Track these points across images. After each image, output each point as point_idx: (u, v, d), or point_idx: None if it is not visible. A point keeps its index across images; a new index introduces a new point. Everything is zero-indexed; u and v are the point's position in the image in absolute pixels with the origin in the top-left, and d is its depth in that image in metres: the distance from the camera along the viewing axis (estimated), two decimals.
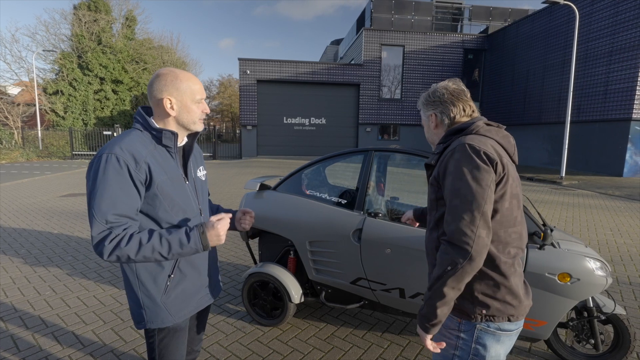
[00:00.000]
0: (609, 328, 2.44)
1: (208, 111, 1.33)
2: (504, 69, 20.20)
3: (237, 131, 39.06)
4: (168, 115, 1.25)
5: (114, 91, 25.36)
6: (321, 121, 22.35)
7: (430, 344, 1.13)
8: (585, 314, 2.24)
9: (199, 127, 1.31)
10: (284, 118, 22.01)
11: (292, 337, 2.62)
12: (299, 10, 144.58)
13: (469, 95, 1.26)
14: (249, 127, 21.40)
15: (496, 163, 1.06)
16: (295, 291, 2.63)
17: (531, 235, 2.12)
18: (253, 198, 2.87)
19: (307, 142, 22.29)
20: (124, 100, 25.76)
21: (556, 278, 2.02)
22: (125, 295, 3.24)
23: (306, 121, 22.21)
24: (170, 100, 1.22)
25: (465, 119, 1.24)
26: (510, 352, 2.45)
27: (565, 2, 12.01)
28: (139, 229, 1.20)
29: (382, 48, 21.57)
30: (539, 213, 2.24)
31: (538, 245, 2.07)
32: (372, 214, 2.43)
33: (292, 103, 21.82)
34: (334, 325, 2.80)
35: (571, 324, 2.26)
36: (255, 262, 3.10)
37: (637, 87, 12.75)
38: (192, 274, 1.35)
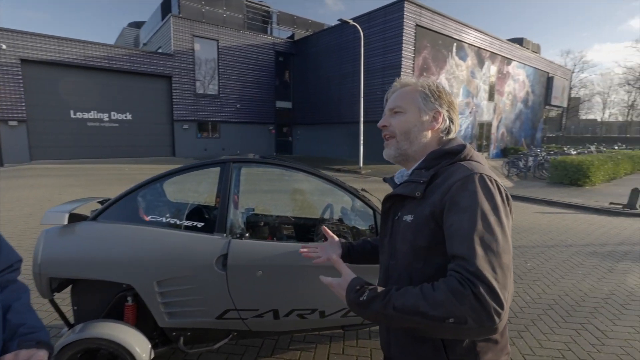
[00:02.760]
0: None
1: None
2: (310, 74, 22.80)
3: None
4: None
5: None
6: (126, 117, 18.98)
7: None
8: None
9: None
10: (72, 112, 17.42)
11: None
12: None
13: None
14: (13, 123, 15.78)
15: (510, 201, 0.87)
16: (141, 348, 2.00)
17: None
18: (60, 237, 1.99)
19: (108, 141, 18.48)
20: None
21: None
22: None
23: (105, 116, 18.34)
24: None
25: (452, 137, 1.02)
26: None
27: (353, 23, 14.57)
28: None
29: (195, 40, 20.22)
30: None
31: None
32: (238, 235, 2.12)
33: (83, 93, 17.46)
34: None
35: None
36: (68, 325, 2.20)
37: None
38: None
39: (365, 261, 1.33)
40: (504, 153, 23.42)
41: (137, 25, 32.25)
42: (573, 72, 42.07)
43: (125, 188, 2.19)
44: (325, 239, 1.36)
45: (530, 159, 12.82)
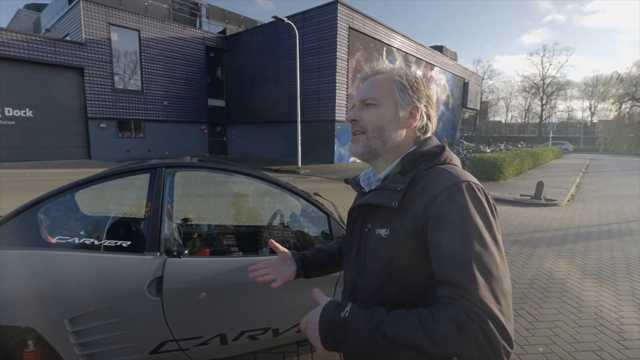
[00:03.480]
0: None
1: None
2: (244, 72, 22.04)
3: None
4: None
5: None
6: (25, 113, 16.30)
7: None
8: None
9: None
10: None
11: None
12: None
13: None
14: None
15: (497, 211, 0.77)
16: None
17: (339, 238, 2.21)
18: None
19: (4, 142, 15.67)
20: None
21: None
22: None
23: None
24: None
25: (429, 135, 0.90)
26: None
27: (288, 21, 14.39)
28: None
29: (112, 28, 18.16)
30: (341, 217, 2.38)
31: None
32: (175, 253, 1.80)
33: None
34: None
35: None
36: None
37: (336, 97, 17.31)
38: None
39: (322, 273, 1.20)
40: None
41: (37, 8, 28.00)
42: (483, 79, 47.37)
43: (26, 199, 1.73)
44: (274, 251, 1.19)
45: None
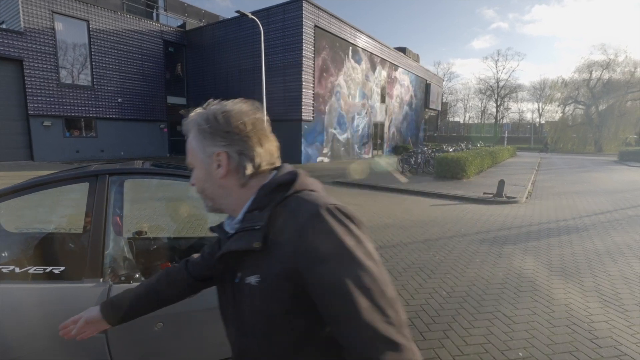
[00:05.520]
0: None
1: None
2: (206, 68, 21.17)
3: None
4: None
5: None
6: None
7: None
8: None
9: None
10: None
11: None
12: None
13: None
14: None
15: (361, 222, 0.72)
16: None
17: None
18: None
19: None
20: None
21: None
22: None
23: None
24: None
25: (268, 167, 0.79)
26: None
27: (253, 17, 13.93)
28: None
29: (56, 17, 16.63)
30: None
31: None
32: (123, 277, 1.49)
33: None
34: None
35: None
36: None
37: (303, 96, 17.08)
38: None
39: (138, 315, 1.03)
40: (395, 151, 25.86)
41: None
42: (444, 81, 49.32)
43: None
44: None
45: (420, 156, 14.30)
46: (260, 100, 14.69)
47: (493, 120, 60.78)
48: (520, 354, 2.54)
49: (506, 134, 32.07)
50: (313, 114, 17.95)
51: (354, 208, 6.16)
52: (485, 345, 2.63)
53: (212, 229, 0.90)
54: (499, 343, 2.67)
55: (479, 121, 65.85)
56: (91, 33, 17.93)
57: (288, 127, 17.66)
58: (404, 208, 7.66)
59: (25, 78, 15.93)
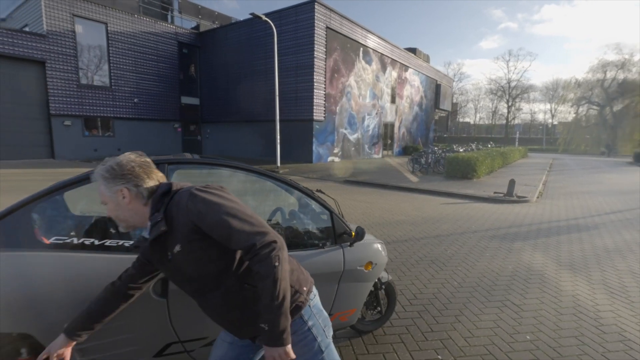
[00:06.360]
0: (382, 293, 3.05)
1: None
2: (219, 69, 21.57)
3: None
4: None
5: None
6: None
7: (291, 352, 1.08)
8: (373, 288, 2.67)
9: None
10: None
11: None
12: None
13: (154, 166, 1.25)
14: None
15: (217, 187, 1.18)
16: None
17: (342, 235, 2.22)
18: None
19: None
20: None
21: (363, 268, 2.25)
22: None
23: None
24: None
25: (156, 187, 1.22)
26: None
27: (266, 19, 14.23)
28: None
29: (76, 20, 17.20)
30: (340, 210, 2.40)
31: (349, 243, 2.20)
32: None
33: None
34: None
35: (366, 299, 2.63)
36: None
37: (314, 96, 17.33)
38: None
39: (95, 327, 1.34)
40: (405, 151, 25.92)
41: None
42: (454, 81, 49.00)
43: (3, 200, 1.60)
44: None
45: (430, 156, 14.40)
46: (273, 101, 14.98)
47: (504, 121, 60.10)
48: (528, 337, 2.72)
49: (517, 135, 31.78)
50: (324, 114, 18.17)
51: (365, 205, 6.53)
52: (494, 329, 2.82)
53: (133, 245, 1.43)
54: (508, 327, 2.84)
55: (490, 122, 65.19)
56: (109, 35, 18.47)
57: (300, 127, 17.92)
58: (415, 206, 7.82)
59: (48, 79, 16.52)
